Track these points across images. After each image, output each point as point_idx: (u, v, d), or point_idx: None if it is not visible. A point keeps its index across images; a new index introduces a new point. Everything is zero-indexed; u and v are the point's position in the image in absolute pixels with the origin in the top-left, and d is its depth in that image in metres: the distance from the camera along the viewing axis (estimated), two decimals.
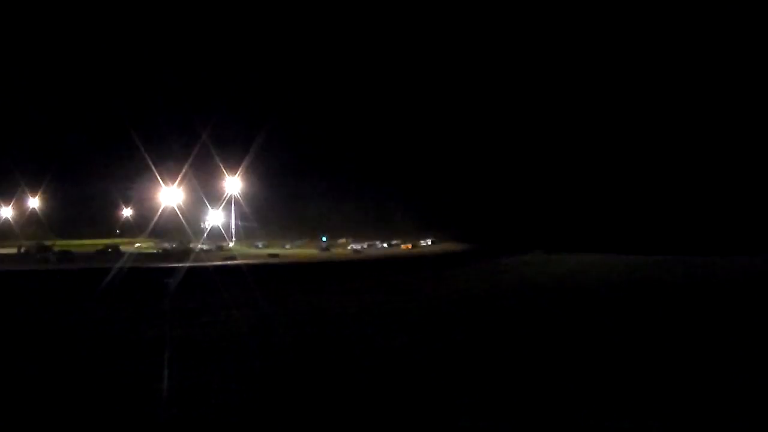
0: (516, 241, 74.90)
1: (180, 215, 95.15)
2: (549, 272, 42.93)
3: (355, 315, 22.61)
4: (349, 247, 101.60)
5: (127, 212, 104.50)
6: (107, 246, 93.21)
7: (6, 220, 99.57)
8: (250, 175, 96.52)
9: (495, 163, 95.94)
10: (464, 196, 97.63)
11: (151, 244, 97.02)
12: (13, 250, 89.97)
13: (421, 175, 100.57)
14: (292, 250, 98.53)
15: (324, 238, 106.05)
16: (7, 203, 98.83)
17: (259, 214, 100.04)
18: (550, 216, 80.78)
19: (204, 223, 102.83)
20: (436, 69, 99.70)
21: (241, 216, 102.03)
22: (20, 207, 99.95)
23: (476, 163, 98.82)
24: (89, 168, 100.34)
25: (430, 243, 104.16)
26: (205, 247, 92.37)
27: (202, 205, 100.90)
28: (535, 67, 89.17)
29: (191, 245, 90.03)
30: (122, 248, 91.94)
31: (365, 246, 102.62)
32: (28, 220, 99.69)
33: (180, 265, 57.48)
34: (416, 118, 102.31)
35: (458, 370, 12.92)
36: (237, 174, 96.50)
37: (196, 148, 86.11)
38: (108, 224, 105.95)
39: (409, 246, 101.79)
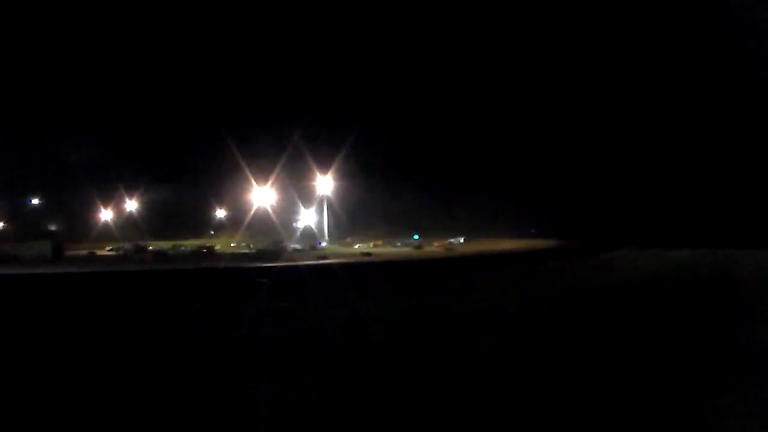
0: (603, 237, 74.43)
1: (272, 215, 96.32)
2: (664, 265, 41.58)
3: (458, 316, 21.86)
4: (439, 244, 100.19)
5: (220, 213, 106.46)
6: (201, 246, 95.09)
7: (106, 223, 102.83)
8: (343, 173, 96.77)
9: (580, 158, 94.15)
10: (552, 191, 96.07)
11: (244, 244, 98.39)
12: (112, 252, 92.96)
13: (513, 173, 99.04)
14: (384, 248, 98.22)
15: (416, 237, 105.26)
16: (107, 206, 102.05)
17: (351, 213, 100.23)
18: (636, 212, 78.89)
19: (296, 222, 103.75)
20: (521, 65, 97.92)
21: (333, 215, 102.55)
22: (118, 209, 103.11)
23: (562, 157, 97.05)
24: (183, 169, 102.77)
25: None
26: (297, 246, 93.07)
27: (295, 205, 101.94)
28: (621, 63, 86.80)
29: (284, 245, 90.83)
30: (216, 249, 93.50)
31: (461, 241, 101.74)
32: (126, 222, 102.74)
33: (273, 264, 57.90)
34: (505, 115, 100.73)
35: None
36: (329, 173, 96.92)
37: (288, 148, 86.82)
38: (202, 225, 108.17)
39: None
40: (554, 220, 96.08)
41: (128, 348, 16.70)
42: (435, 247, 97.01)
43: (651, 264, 44.98)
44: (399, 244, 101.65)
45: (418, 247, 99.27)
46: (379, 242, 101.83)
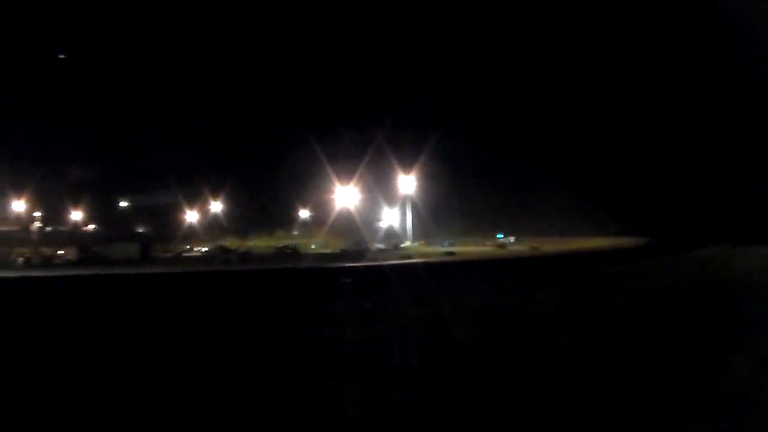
0: (688, 234, 73.46)
1: (355, 215, 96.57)
2: None
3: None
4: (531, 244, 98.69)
5: (304, 213, 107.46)
6: (285, 246, 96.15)
7: (191, 224, 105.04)
8: (425, 173, 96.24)
9: (661, 155, 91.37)
10: (633, 189, 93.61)
11: (327, 244, 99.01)
12: (197, 253, 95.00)
13: (594, 171, 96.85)
14: (467, 247, 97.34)
15: (500, 236, 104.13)
16: (192, 207, 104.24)
17: (434, 213, 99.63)
18: (719, 209, 76.22)
19: (379, 222, 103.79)
20: (602, 63, 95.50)
21: (416, 215, 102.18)
22: (203, 210, 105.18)
23: (642, 155, 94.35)
24: (267, 170, 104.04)
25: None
26: (381, 246, 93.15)
27: (377, 205, 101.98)
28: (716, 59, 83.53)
29: (367, 245, 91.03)
30: (300, 249, 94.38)
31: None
32: (211, 222, 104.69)
33: (357, 264, 57.89)
34: (584, 112, 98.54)
35: None
36: (412, 172, 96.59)
37: (371, 148, 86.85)
38: (286, 225, 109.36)
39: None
40: (635, 217, 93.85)
41: (231, 350, 16.78)
42: (518, 247, 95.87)
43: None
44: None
45: (501, 246, 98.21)
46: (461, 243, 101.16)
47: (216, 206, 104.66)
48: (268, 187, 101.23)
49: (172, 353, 16.23)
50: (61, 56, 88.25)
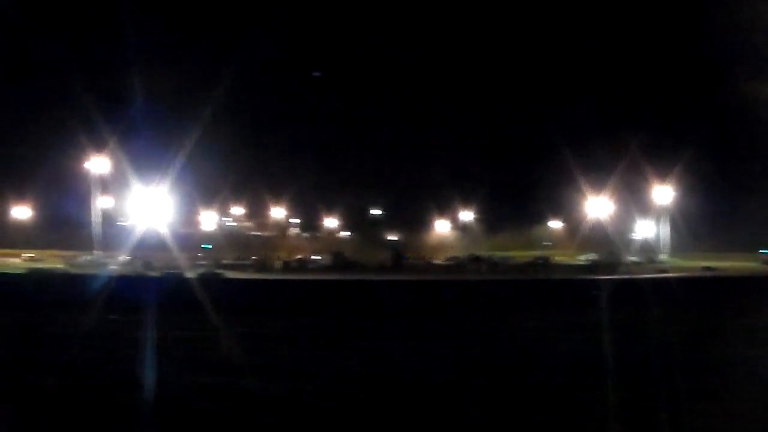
0: None
1: (608, 226, 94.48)
2: None
3: None
4: None
5: (554, 223, 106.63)
6: (537, 257, 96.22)
7: (441, 233, 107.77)
8: (684, 184, 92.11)
9: None
10: None
11: (579, 255, 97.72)
12: (449, 262, 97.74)
13: None
14: (728, 262, 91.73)
15: (763, 251, 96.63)
16: (443, 216, 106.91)
17: (693, 226, 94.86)
18: None
19: (632, 234, 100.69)
20: None
21: (673, 227, 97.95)
22: (454, 219, 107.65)
23: None
24: (518, 179, 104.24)
25: None
26: (635, 259, 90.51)
27: (631, 216, 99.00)
28: None
29: (620, 257, 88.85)
30: (550, 259, 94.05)
31: None
32: (462, 231, 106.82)
33: (609, 277, 57.18)
34: None
35: None
36: (668, 183, 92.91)
37: (625, 157, 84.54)
38: (536, 235, 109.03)
39: None
40: None
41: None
42: None
43: None
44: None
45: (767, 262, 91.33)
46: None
47: (467, 215, 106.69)
48: (519, 197, 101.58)
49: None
50: (316, 74, 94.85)
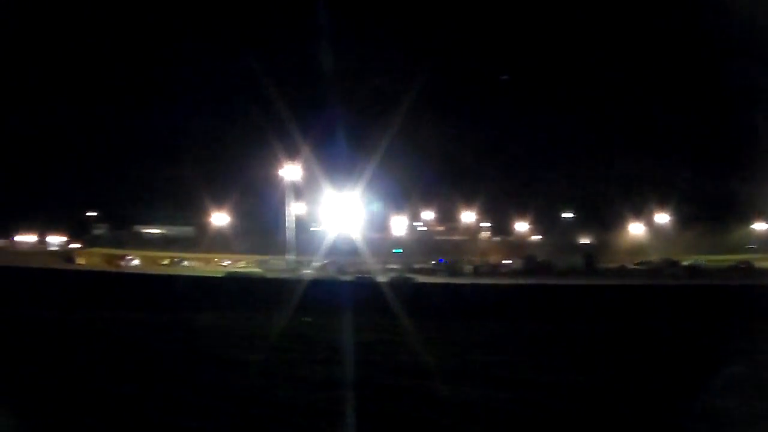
0: None
1: None
2: None
3: None
4: None
5: (760, 225, 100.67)
6: (740, 262, 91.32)
7: (636, 235, 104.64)
8: None
9: None
10: None
11: None
12: (642, 266, 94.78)
13: None
14: None
15: None
16: (638, 219, 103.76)
17: None
18: None
19: None
20: None
21: None
22: (649, 222, 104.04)
23: None
24: (719, 179, 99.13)
25: None
26: None
27: None
28: None
29: None
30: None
31: None
32: (657, 235, 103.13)
33: None
34: None
35: None
36: None
37: None
38: (739, 239, 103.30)
39: None
40: None
41: None
42: None
43: None
44: None
45: None
46: None
47: (661, 218, 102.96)
48: (717, 197, 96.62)
49: None
50: (504, 77, 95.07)
